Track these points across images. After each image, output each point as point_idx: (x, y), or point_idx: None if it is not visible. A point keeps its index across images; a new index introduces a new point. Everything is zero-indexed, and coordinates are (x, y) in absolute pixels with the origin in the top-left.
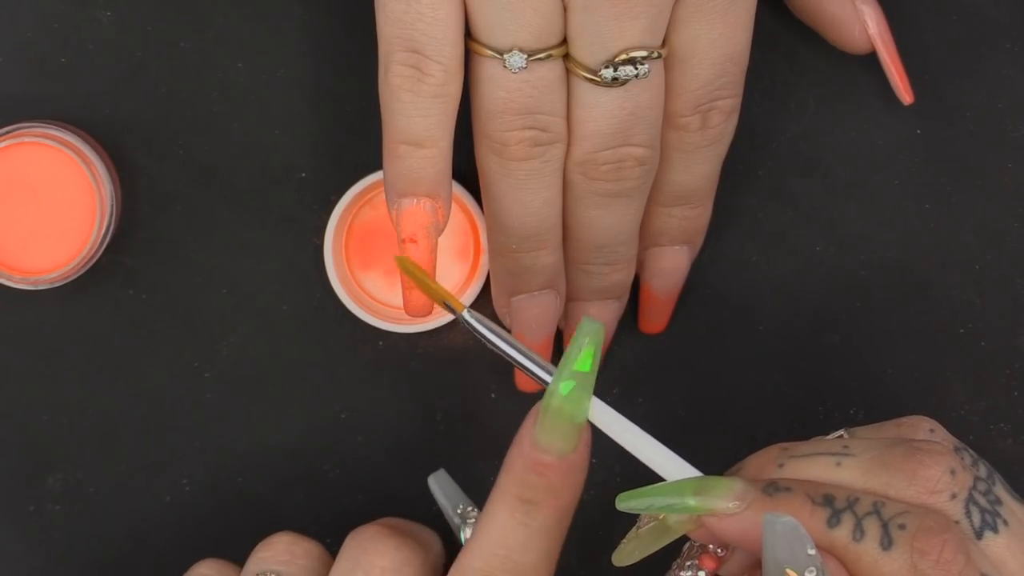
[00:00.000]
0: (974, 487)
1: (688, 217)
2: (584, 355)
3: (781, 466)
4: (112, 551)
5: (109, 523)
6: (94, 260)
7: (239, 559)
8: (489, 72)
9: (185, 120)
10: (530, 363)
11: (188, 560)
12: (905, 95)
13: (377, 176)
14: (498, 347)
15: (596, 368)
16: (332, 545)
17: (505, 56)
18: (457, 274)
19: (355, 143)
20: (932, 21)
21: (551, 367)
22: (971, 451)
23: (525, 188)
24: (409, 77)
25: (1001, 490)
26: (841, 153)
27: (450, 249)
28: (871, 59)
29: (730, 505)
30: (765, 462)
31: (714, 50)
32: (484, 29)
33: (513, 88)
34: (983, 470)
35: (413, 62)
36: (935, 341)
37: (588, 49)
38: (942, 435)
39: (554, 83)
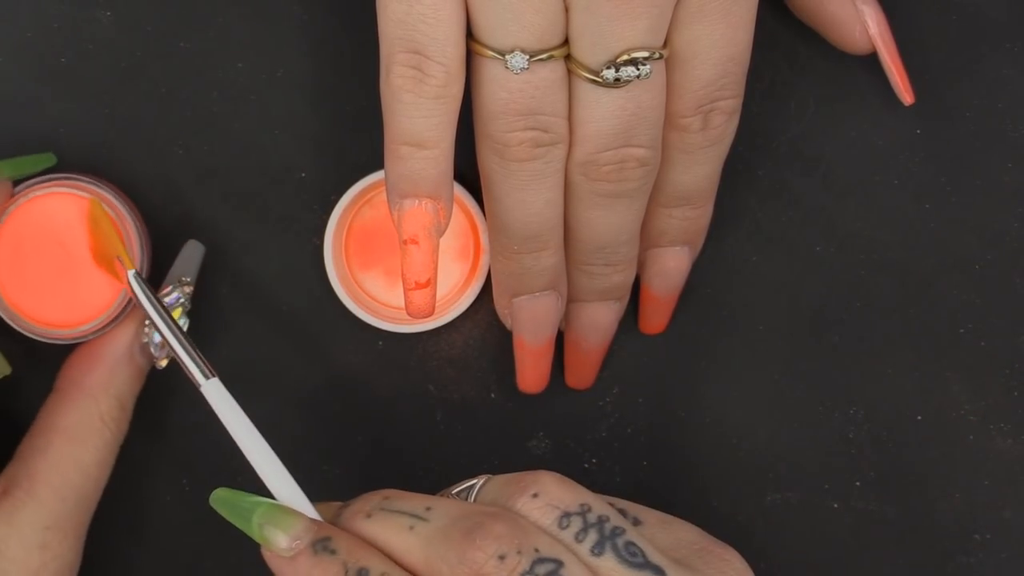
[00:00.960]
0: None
1: (689, 218)
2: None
3: (369, 516)
4: (112, 551)
5: (109, 523)
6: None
7: (239, 559)
8: (491, 73)
9: (185, 120)
10: (173, 338)
11: (188, 560)
12: (905, 95)
13: (377, 176)
14: (149, 316)
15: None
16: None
17: (507, 57)
18: (457, 274)
19: (355, 143)
20: (932, 21)
21: (194, 348)
22: (593, 512)
23: (527, 189)
24: (411, 78)
25: (608, 560)
26: (841, 153)
27: (451, 249)
28: (871, 59)
29: (283, 546)
30: (363, 507)
31: (715, 51)
32: (486, 30)
33: (515, 89)
34: (589, 541)
35: (415, 63)
36: (935, 341)
37: (590, 50)
38: (548, 499)
39: (556, 84)
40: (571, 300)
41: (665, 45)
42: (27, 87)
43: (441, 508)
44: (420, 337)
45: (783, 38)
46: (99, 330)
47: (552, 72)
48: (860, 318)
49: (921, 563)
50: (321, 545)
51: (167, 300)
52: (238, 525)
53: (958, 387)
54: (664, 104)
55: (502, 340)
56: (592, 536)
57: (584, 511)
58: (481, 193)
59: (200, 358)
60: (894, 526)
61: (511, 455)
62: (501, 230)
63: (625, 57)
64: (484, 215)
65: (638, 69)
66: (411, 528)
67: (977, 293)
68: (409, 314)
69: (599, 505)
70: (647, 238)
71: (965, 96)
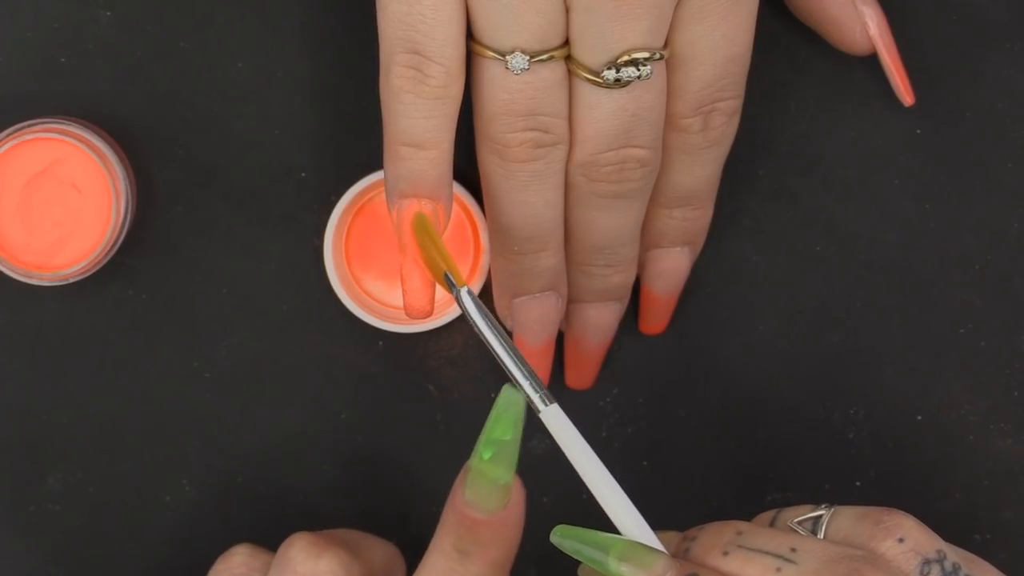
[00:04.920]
0: None
1: (689, 218)
2: (504, 424)
3: (726, 554)
4: (112, 551)
5: (109, 523)
6: (113, 252)
7: None
8: (491, 73)
9: (185, 120)
10: (512, 364)
11: (188, 560)
12: (905, 96)
13: (377, 176)
14: (485, 336)
15: (518, 436)
16: None
17: (507, 57)
18: None
19: (355, 143)
20: (932, 21)
21: (533, 374)
22: (948, 560)
23: (527, 190)
24: (410, 79)
25: None
26: (841, 153)
27: (450, 249)
28: (871, 59)
29: None
30: (716, 541)
31: (716, 51)
32: (486, 30)
33: (515, 89)
34: None
35: (414, 63)
36: (935, 341)
37: (590, 50)
38: (912, 544)
39: (556, 84)
40: (571, 300)
41: (665, 46)
42: (27, 87)
43: (808, 550)
44: (420, 337)
45: (783, 38)
46: (82, 274)
47: (552, 73)
48: (860, 318)
49: None
50: None
51: None
52: (588, 562)
53: (958, 387)
54: (664, 105)
55: None
56: None
57: (941, 558)
58: (481, 193)
59: (539, 384)
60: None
61: None
62: (501, 231)
63: (626, 58)
64: (484, 215)
65: (638, 70)
66: (778, 570)
67: (977, 293)
68: (408, 314)
69: (950, 551)
70: (647, 239)
71: (965, 96)
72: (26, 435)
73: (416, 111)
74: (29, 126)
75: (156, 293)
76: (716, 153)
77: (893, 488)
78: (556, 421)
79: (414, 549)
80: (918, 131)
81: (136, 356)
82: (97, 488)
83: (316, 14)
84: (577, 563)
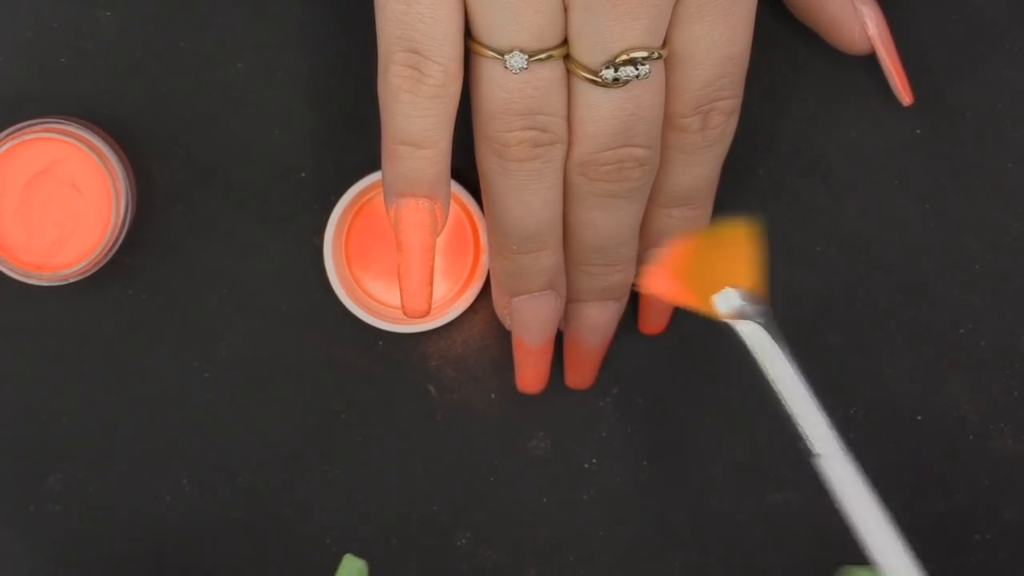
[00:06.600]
0: None
1: (688, 218)
2: None
3: None
4: (112, 551)
5: (109, 523)
6: (113, 252)
7: (238, 559)
8: (489, 73)
9: (185, 120)
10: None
11: (188, 560)
12: (905, 96)
13: (377, 176)
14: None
15: None
16: (332, 545)
17: (506, 57)
18: (457, 274)
19: (355, 143)
20: (932, 21)
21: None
22: None
23: (526, 189)
24: (408, 77)
25: None
26: (841, 153)
27: (450, 249)
28: (871, 59)
29: None
30: None
31: (715, 51)
32: (484, 29)
33: (514, 89)
34: None
35: (413, 62)
36: (935, 341)
37: (589, 49)
38: None
39: (555, 84)
40: (570, 300)
41: (664, 45)
42: (27, 87)
43: None
44: (420, 337)
45: (783, 38)
46: (82, 274)
47: (551, 72)
48: (860, 318)
49: (921, 563)
50: None
51: None
52: None
53: (958, 387)
54: (663, 104)
55: (502, 340)
56: None
57: None
58: (480, 193)
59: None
60: (894, 526)
61: (511, 455)
62: (500, 230)
63: (624, 57)
64: (483, 215)
65: (637, 69)
66: None
67: (977, 293)
68: (406, 314)
69: None
70: (647, 238)
71: (965, 96)
72: (26, 435)
73: (414, 110)
74: (29, 126)
75: (156, 293)
76: (715, 152)
77: (893, 488)
78: (837, 468)
79: (414, 549)
80: (918, 131)
81: (136, 356)
82: (97, 488)
83: (316, 14)
84: (584, 560)
